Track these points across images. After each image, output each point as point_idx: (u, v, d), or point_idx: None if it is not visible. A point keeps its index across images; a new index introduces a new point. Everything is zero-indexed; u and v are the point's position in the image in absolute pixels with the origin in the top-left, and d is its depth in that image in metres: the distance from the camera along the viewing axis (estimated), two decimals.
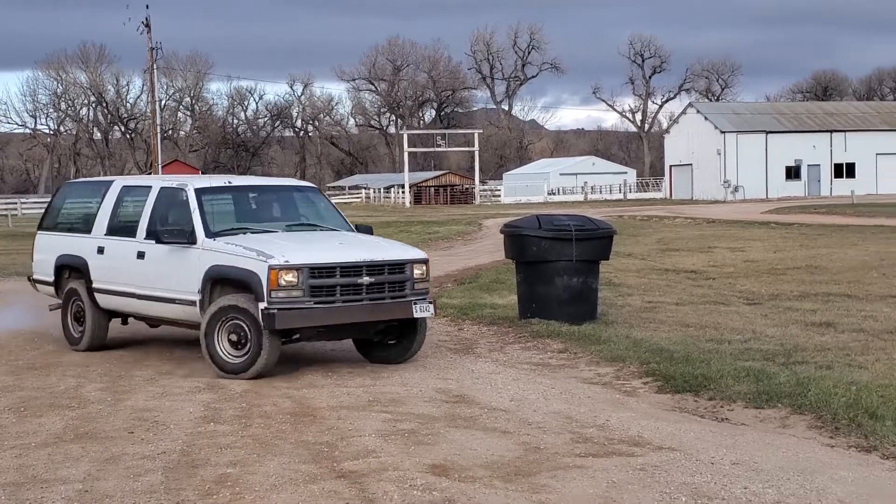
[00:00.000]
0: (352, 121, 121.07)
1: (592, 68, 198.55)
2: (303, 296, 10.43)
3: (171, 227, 11.48)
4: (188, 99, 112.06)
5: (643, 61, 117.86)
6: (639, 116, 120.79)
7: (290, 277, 10.37)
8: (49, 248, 13.48)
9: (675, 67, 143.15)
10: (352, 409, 9.26)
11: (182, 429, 8.55)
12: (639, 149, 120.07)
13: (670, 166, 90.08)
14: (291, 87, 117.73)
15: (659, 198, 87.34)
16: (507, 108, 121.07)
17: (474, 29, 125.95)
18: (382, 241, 12.01)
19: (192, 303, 11.11)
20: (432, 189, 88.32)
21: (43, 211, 14.77)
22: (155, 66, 63.35)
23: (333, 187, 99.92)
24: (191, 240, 11.18)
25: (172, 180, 12.43)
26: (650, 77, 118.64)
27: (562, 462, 7.41)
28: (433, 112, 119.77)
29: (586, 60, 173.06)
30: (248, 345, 10.60)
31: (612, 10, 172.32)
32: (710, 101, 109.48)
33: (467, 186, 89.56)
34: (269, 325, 10.33)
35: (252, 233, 11.44)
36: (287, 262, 10.43)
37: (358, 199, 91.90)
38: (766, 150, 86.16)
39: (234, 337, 10.66)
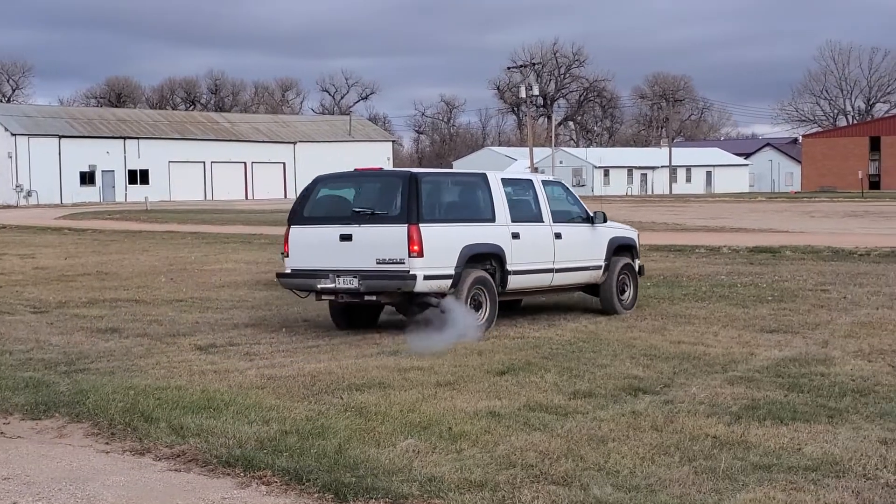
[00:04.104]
0: None
1: None
2: None
3: (594, 212, 15.08)
4: None
5: None
6: None
7: None
8: (447, 239, 12.80)
9: None
10: None
11: None
12: None
13: None
14: None
15: None
16: None
17: None
18: None
19: (599, 267, 14.92)
20: None
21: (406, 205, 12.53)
22: None
23: None
24: (597, 220, 15.02)
25: (541, 176, 15.25)
26: None
27: None
28: None
29: None
30: (628, 289, 15.34)
31: None
32: (1, 102, 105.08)
33: None
34: (640, 274, 15.87)
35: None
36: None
37: None
38: (60, 154, 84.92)
39: (623, 286, 15.22)
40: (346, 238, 12.75)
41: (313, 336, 13.04)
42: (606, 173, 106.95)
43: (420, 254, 12.32)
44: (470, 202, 13.67)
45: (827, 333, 12.54)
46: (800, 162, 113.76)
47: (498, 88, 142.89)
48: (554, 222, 14.28)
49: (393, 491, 6.45)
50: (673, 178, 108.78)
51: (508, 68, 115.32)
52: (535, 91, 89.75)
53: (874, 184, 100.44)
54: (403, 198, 12.59)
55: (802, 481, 6.50)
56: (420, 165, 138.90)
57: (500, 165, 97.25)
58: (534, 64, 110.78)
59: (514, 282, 13.54)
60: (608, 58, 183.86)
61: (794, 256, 24.30)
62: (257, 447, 7.48)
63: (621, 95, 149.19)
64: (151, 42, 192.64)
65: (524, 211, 13.99)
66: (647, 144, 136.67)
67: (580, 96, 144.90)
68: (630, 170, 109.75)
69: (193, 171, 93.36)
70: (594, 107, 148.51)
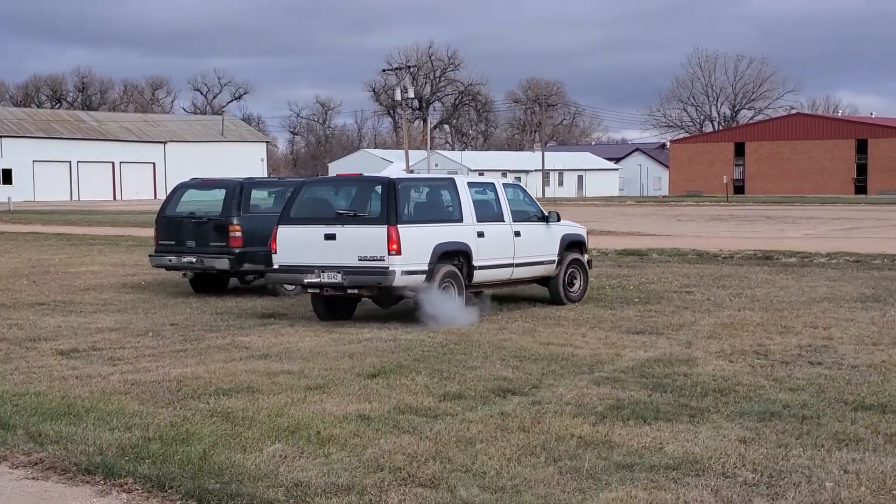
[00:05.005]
0: None
1: None
2: None
3: (548, 212, 16.42)
4: None
5: None
6: None
7: None
8: (422, 238, 13.97)
9: None
10: None
11: None
12: None
13: None
14: None
15: None
16: None
17: None
18: None
19: (553, 262, 16.16)
20: None
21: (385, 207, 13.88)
22: None
23: None
24: (551, 219, 16.29)
25: (502, 180, 16.73)
26: None
27: None
28: None
29: None
30: (577, 282, 16.58)
31: None
32: None
33: None
34: (590, 267, 16.97)
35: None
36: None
37: None
38: None
39: (571, 279, 16.46)
40: (330, 237, 13.96)
41: (181, 340, 12.80)
42: (481, 176, 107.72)
43: (398, 252, 13.61)
44: (441, 204, 15.05)
45: (690, 334, 12.85)
46: (668, 167, 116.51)
47: (374, 90, 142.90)
48: (514, 222, 15.57)
49: (258, 497, 6.36)
50: (546, 181, 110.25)
51: (384, 70, 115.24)
52: (411, 94, 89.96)
53: (739, 188, 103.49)
54: (383, 201, 13.93)
55: (663, 480, 6.64)
56: (295, 167, 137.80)
57: (376, 167, 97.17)
58: (409, 67, 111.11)
59: (479, 276, 14.84)
60: (483, 62, 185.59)
61: (660, 259, 24.85)
62: (119, 454, 7.29)
63: (496, 99, 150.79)
64: (15, 38, 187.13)
65: (488, 212, 15.30)
66: (520, 148, 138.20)
67: (455, 100, 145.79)
68: (504, 173, 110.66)
69: (59, 171, 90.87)
70: (469, 110, 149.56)
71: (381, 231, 13.66)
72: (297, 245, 14.27)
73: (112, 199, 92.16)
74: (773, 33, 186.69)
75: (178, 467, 6.94)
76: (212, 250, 17.71)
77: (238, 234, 17.55)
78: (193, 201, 19.06)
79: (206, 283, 18.62)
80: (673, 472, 6.81)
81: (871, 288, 17.88)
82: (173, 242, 18.26)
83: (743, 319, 14.12)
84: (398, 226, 13.68)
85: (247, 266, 17.75)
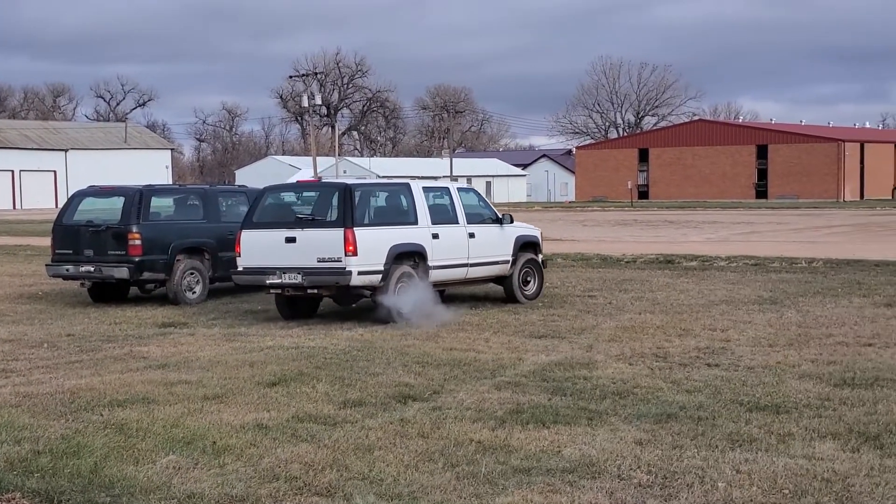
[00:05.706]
0: None
1: None
2: None
3: (502, 214, 17.21)
4: None
5: None
6: None
7: None
8: (377, 240, 14.66)
9: None
10: None
11: None
12: None
13: None
14: None
15: None
16: None
17: None
18: None
19: (507, 262, 16.79)
20: None
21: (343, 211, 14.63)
22: None
23: None
24: (505, 221, 16.91)
25: (456, 184, 17.27)
26: None
27: None
28: None
29: None
30: (532, 281, 17.24)
31: None
32: None
33: None
34: (544, 267, 17.71)
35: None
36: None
37: None
38: None
39: (526, 278, 17.14)
40: (290, 240, 14.69)
41: (76, 351, 12.52)
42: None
43: (354, 253, 14.32)
44: (396, 208, 15.76)
45: (592, 338, 12.96)
46: (574, 172, 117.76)
47: (281, 97, 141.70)
48: (468, 224, 16.34)
49: None
50: None
51: (291, 77, 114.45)
52: (318, 100, 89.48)
53: (643, 193, 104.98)
54: (339, 205, 14.68)
55: (559, 483, 6.67)
56: (202, 174, 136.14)
57: (284, 174, 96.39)
58: (316, 73, 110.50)
59: (434, 275, 15.49)
60: (391, 69, 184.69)
61: (564, 264, 25.04)
62: (7, 468, 7.10)
63: (404, 106, 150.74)
64: None
65: (442, 214, 16.05)
66: (429, 155, 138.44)
67: (363, 106, 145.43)
68: (413, 179, 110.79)
69: None
70: (377, 117, 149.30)
71: (338, 234, 14.37)
72: (259, 248, 14.96)
73: (12, 207, 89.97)
74: (676, 41, 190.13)
75: (68, 481, 6.78)
76: (111, 259, 17.36)
77: (137, 242, 17.23)
78: (92, 209, 18.68)
79: (105, 293, 18.25)
80: (569, 475, 6.85)
81: (768, 290, 18.25)
82: (71, 251, 17.85)
83: (643, 323, 14.29)
84: (354, 228, 14.42)
85: (147, 275, 17.45)
